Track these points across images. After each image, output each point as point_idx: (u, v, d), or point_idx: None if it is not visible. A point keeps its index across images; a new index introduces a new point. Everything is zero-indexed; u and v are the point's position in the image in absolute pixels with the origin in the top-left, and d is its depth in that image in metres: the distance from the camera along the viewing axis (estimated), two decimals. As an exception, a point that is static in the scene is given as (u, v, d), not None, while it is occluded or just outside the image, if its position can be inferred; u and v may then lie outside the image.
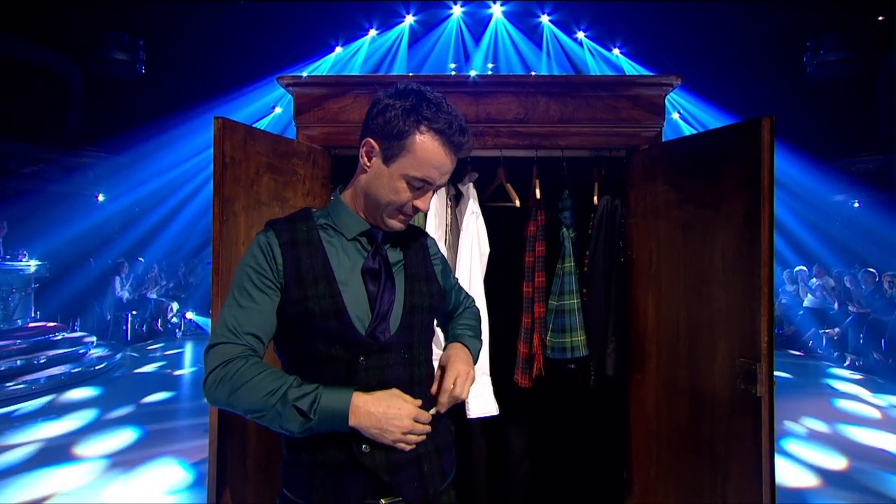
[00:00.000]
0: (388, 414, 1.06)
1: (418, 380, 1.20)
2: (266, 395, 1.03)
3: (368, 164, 1.17)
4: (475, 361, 1.32)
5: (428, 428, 1.12)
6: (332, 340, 1.12)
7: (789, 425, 4.62)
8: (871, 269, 7.79)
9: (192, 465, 3.72)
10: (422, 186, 1.15)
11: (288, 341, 1.16)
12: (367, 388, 1.10)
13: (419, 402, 1.13)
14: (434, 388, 1.21)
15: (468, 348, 1.32)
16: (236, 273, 1.16)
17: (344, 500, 1.11)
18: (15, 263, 7.14)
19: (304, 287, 1.12)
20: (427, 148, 1.11)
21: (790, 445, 4.15)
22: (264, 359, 1.13)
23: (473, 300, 1.53)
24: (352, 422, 1.05)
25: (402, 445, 1.09)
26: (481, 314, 1.52)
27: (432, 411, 1.16)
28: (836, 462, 3.86)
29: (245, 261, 1.15)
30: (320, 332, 1.12)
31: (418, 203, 1.16)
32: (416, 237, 1.33)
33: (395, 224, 1.19)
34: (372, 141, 1.15)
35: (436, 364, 1.28)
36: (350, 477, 1.11)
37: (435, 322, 1.42)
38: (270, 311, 1.13)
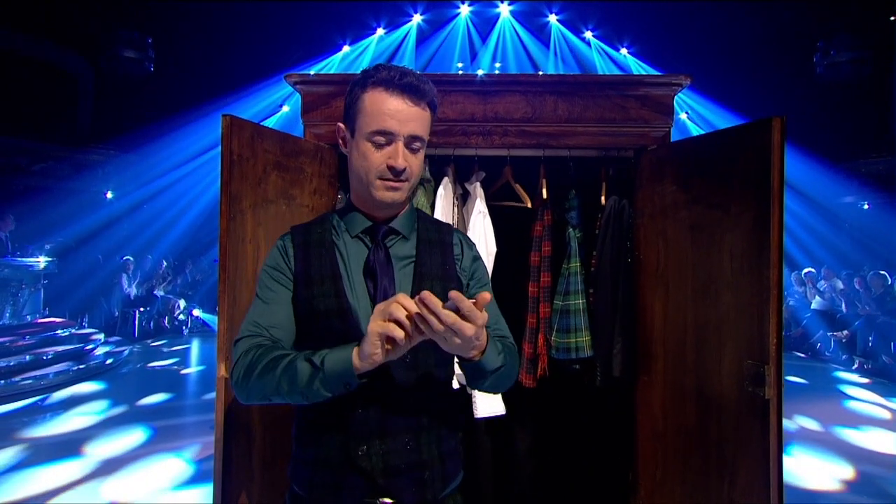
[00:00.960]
0: (369, 328, 0.95)
1: (425, 382, 1.16)
2: (280, 367, 1.02)
3: (345, 147, 1.20)
4: (483, 365, 1.06)
5: (402, 315, 0.92)
6: (337, 340, 1.10)
7: (798, 428, 4.59)
8: (882, 272, 7.72)
9: (198, 461, 3.73)
10: (385, 141, 1.11)
11: (296, 342, 1.17)
12: (369, 389, 1.05)
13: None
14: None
15: (487, 343, 1.06)
16: (260, 277, 1.20)
17: (344, 498, 1.11)
18: (25, 259, 7.20)
19: (311, 286, 1.14)
20: (375, 99, 1.11)
21: (800, 448, 4.11)
22: None
23: (514, 346, 1.24)
24: (357, 360, 0.97)
25: (388, 329, 0.92)
26: (516, 356, 1.23)
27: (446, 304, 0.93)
28: (849, 466, 3.83)
29: (265, 263, 1.21)
30: (325, 331, 1.13)
31: (391, 162, 1.11)
32: (437, 233, 1.26)
33: (384, 194, 1.13)
34: (340, 125, 1.21)
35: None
36: (348, 477, 1.11)
37: None
38: (290, 304, 1.17)
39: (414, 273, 1.18)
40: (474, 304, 0.93)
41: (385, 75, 1.11)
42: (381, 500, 1.11)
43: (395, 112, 1.10)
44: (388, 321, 0.93)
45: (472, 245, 1.32)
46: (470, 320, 0.93)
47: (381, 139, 1.11)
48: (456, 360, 1.12)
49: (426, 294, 0.91)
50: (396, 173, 1.12)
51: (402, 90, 1.11)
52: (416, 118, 1.12)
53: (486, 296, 0.94)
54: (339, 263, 1.17)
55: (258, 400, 1.07)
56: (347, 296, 1.13)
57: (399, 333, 0.92)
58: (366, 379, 1.00)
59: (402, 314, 0.92)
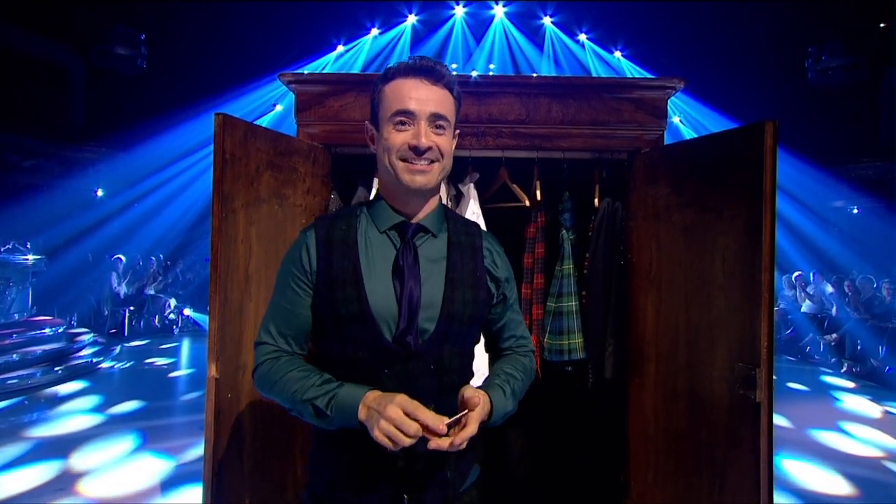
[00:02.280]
0: (379, 411, 1.00)
1: (448, 388, 1.13)
2: (293, 394, 1.08)
3: (374, 145, 1.20)
4: (494, 422, 1.12)
5: (414, 426, 0.98)
6: (359, 345, 1.11)
7: (786, 430, 4.62)
8: (870, 276, 7.79)
9: (188, 462, 3.70)
10: (405, 121, 1.12)
11: (320, 340, 1.18)
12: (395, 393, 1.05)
13: (425, 416, 1.00)
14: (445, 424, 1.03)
15: (492, 405, 1.11)
16: (280, 268, 1.20)
17: (367, 497, 1.12)
18: (13, 256, 7.12)
19: (333, 289, 1.12)
20: (394, 86, 1.14)
21: (792, 451, 4.14)
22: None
23: (531, 345, 1.34)
24: (361, 416, 1.03)
25: (383, 440, 0.98)
26: (532, 366, 1.30)
27: (437, 444, 1.01)
28: (846, 469, 3.85)
29: (288, 258, 1.19)
30: (348, 335, 1.12)
31: (412, 141, 1.10)
32: (467, 235, 1.23)
33: (410, 178, 1.11)
34: (367, 123, 1.22)
35: (476, 377, 1.21)
36: (373, 477, 1.11)
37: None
38: (307, 310, 1.16)
39: (446, 279, 1.15)
40: (465, 413, 1.02)
41: (402, 65, 1.15)
42: (403, 496, 1.11)
43: (414, 92, 1.11)
44: (397, 431, 0.97)
45: (501, 252, 1.30)
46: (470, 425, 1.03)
47: (402, 119, 1.11)
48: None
49: (430, 431, 0.99)
50: (419, 152, 1.10)
51: (417, 72, 1.13)
52: (435, 97, 1.13)
53: (474, 411, 1.04)
54: (363, 264, 1.13)
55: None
56: (369, 301, 1.10)
57: (407, 442, 0.98)
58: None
59: (409, 440, 0.98)
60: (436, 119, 1.12)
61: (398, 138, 1.11)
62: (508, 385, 1.17)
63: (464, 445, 1.01)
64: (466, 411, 1.04)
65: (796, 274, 8.99)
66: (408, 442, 0.97)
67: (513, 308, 1.31)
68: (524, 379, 1.23)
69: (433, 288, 1.14)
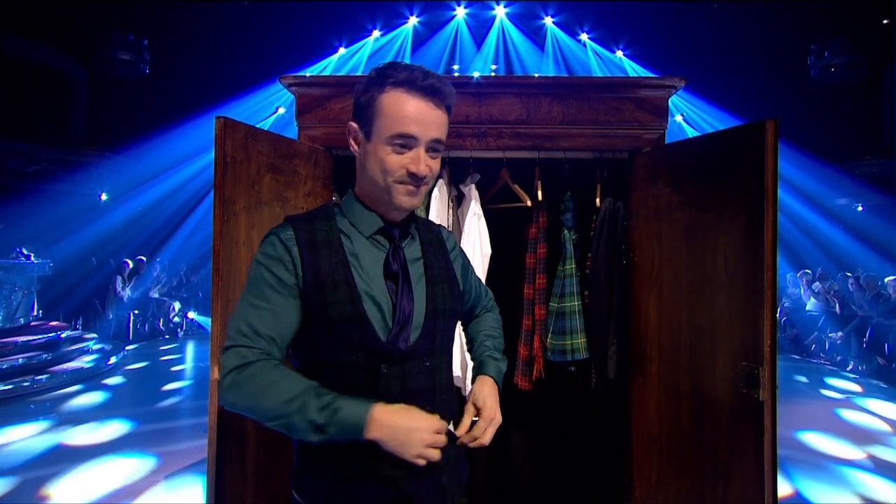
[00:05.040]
0: (411, 427, 1.00)
1: (440, 388, 1.16)
2: (285, 402, 0.98)
3: (357, 148, 1.14)
4: (501, 386, 1.28)
5: (444, 440, 1.05)
6: (353, 348, 1.07)
7: (790, 432, 4.60)
8: (874, 274, 7.76)
9: (191, 465, 3.71)
10: (405, 145, 1.06)
11: (304, 347, 1.11)
12: (390, 396, 1.05)
13: (436, 416, 1.06)
14: (463, 425, 1.14)
15: (496, 381, 1.26)
16: (251, 270, 1.10)
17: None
18: (18, 261, 7.15)
19: (323, 292, 1.06)
20: (395, 101, 1.06)
21: (795, 452, 4.12)
22: None
23: (492, 296, 1.46)
24: (371, 434, 0.99)
25: (420, 461, 1.01)
26: (497, 311, 1.47)
27: (459, 441, 1.14)
28: (847, 468, 3.84)
29: (260, 257, 1.10)
30: (340, 339, 1.07)
31: (410, 167, 1.06)
32: (430, 232, 1.26)
33: (404, 199, 1.09)
34: (352, 123, 1.14)
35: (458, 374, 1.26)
36: (369, 487, 1.07)
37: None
38: (287, 314, 1.07)
39: (426, 278, 1.16)
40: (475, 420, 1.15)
41: (406, 76, 1.06)
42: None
43: (418, 115, 1.05)
44: (426, 451, 1.02)
45: (450, 235, 1.34)
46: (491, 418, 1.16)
47: (401, 142, 1.06)
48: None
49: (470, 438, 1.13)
50: (417, 179, 1.08)
51: (424, 92, 1.06)
52: (437, 121, 1.08)
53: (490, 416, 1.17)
54: (352, 267, 1.10)
55: (254, 417, 1.02)
56: (363, 302, 1.07)
57: (437, 457, 1.03)
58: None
59: (435, 454, 1.03)
60: (435, 144, 1.09)
61: (396, 162, 1.07)
62: (495, 350, 1.33)
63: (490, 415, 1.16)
64: (478, 419, 1.16)
65: (800, 272, 8.96)
66: (437, 457, 1.03)
67: (470, 269, 1.39)
68: (499, 329, 1.40)
69: (419, 288, 1.15)
